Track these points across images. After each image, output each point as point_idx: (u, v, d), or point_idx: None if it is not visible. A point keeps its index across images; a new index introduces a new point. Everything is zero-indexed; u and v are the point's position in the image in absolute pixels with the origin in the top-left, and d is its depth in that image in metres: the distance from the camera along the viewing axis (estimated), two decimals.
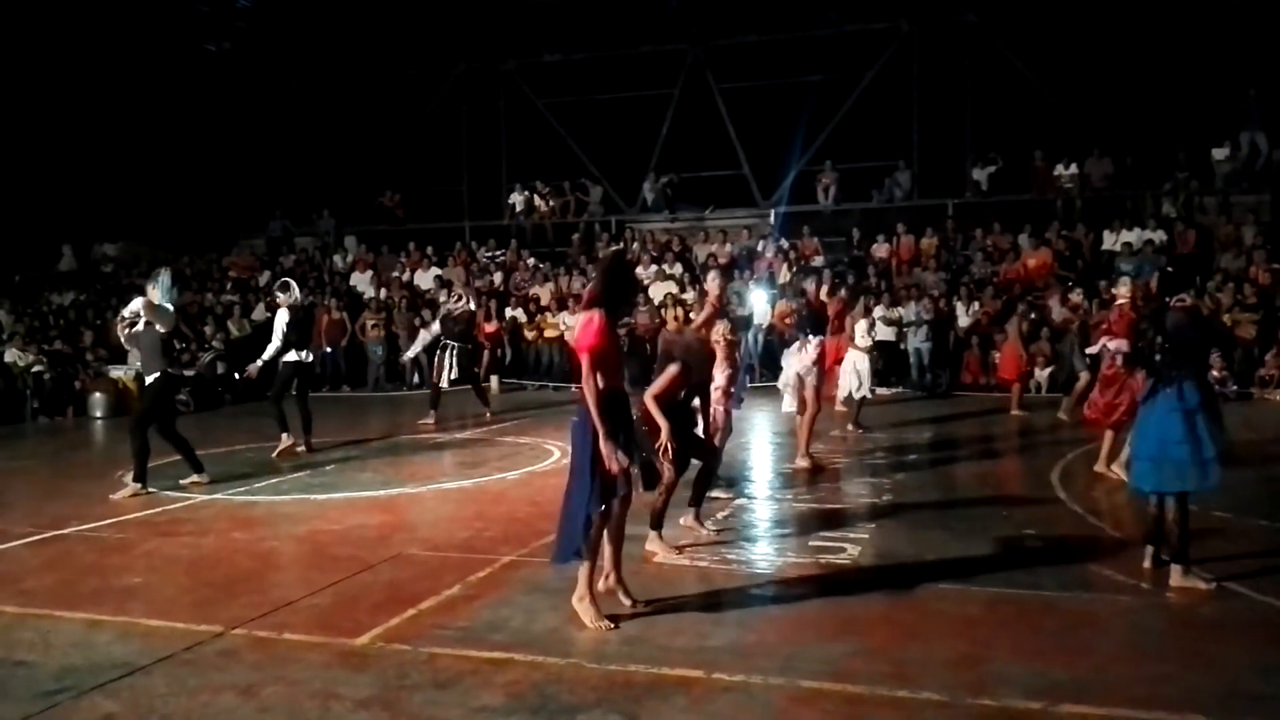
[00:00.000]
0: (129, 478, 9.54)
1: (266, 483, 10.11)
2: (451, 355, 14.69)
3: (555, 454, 11.18)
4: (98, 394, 16.92)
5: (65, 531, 8.10)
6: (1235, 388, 15.54)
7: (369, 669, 4.96)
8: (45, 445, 14.49)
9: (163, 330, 9.48)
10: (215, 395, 18.26)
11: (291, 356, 11.93)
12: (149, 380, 9.62)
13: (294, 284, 12.52)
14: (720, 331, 8.02)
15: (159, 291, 9.48)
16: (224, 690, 4.74)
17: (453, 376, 14.77)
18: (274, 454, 11.52)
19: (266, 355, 12.00)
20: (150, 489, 9.52)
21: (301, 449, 11.83)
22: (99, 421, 16.41)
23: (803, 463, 10.10)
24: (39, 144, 22.34)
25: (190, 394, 17.37)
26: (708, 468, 7.40)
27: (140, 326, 9.61)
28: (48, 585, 6.60)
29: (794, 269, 20.31)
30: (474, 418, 14.80)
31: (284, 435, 11.69)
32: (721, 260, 21.34)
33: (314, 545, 7.50)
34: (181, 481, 9.76)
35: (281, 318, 11.95)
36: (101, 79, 23.11)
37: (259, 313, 21.38)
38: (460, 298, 15.90)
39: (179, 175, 24.16)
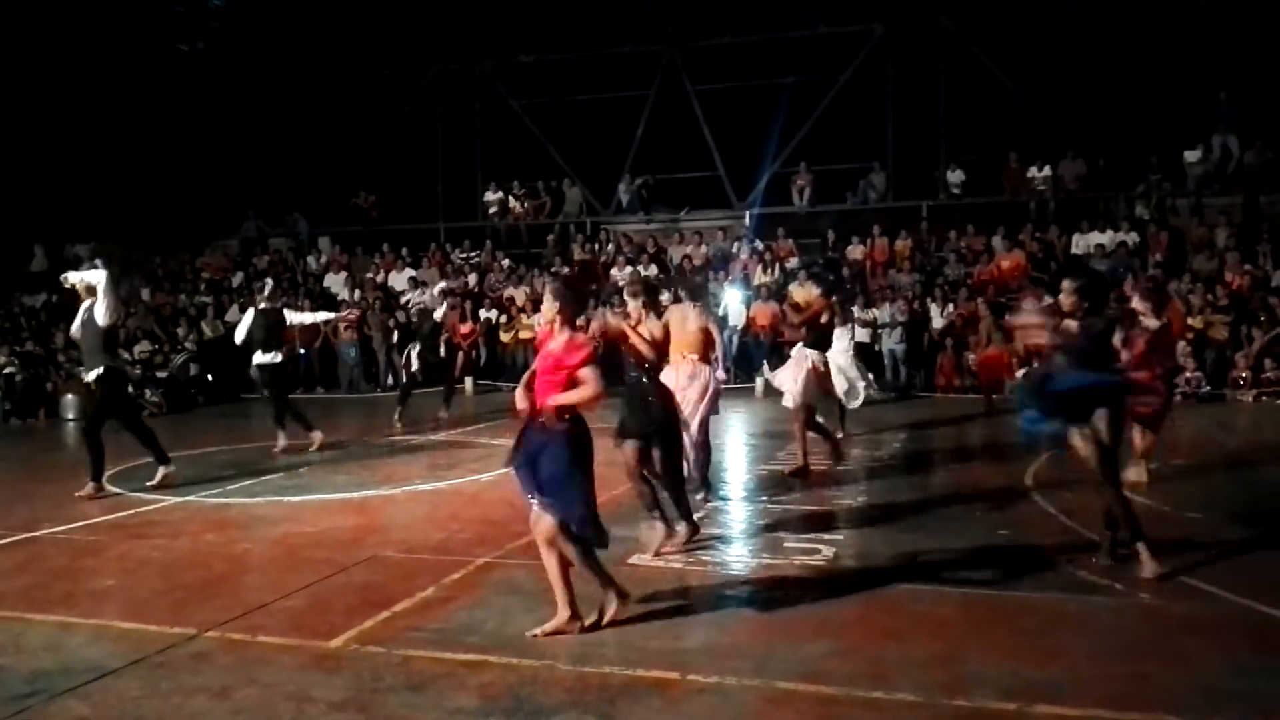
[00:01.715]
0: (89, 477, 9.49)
1: (240, 485, 10.06)
2: (411, 351, 14.84)
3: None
4: (70, 395, 16.69)
5: (37, 534, 8.05)
6: (1208, 389, 15.65)
7: (343, 671, 4.94)
8: (17, 447, 14.38)
9: (104, 323, 9.36)
10: (188, 397, 18.14)
11: (261, 359, 12.00)
12: (92, 377, 9.51)
13: (270, 285, 12.69)
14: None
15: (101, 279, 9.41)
16: (197, 693, 4.72)
17: (413, 369, 14.77)
18: (311, 450, 11.86)
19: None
20: (111, 488, 9.53)
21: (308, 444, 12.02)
22: (71, 423, 16.22)
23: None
24: (10, 143, 22.14)
25: (163, 395, 17.28)
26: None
27: (82, 315, 9.51)
28: (19, 588, 6.55)
29: (770, 271, 20.37)
30: (441, 420, 14.59)
31: (313, 434, 12.13)
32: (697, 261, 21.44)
33: (287, 547, 7.47)
34: (148, 484, 9.70)
35: (245, 318, 12.34)
36: (74, 78, 22.93)
37: (233, 314, 21.26)
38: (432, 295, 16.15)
39: (152, 175, 23.95)
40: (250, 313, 12.25)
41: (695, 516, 7.76)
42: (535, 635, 5.32)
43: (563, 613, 5.37)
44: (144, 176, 23.85)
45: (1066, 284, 6.80)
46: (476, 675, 4.85)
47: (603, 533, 5.40)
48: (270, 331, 12.08)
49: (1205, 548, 6.89)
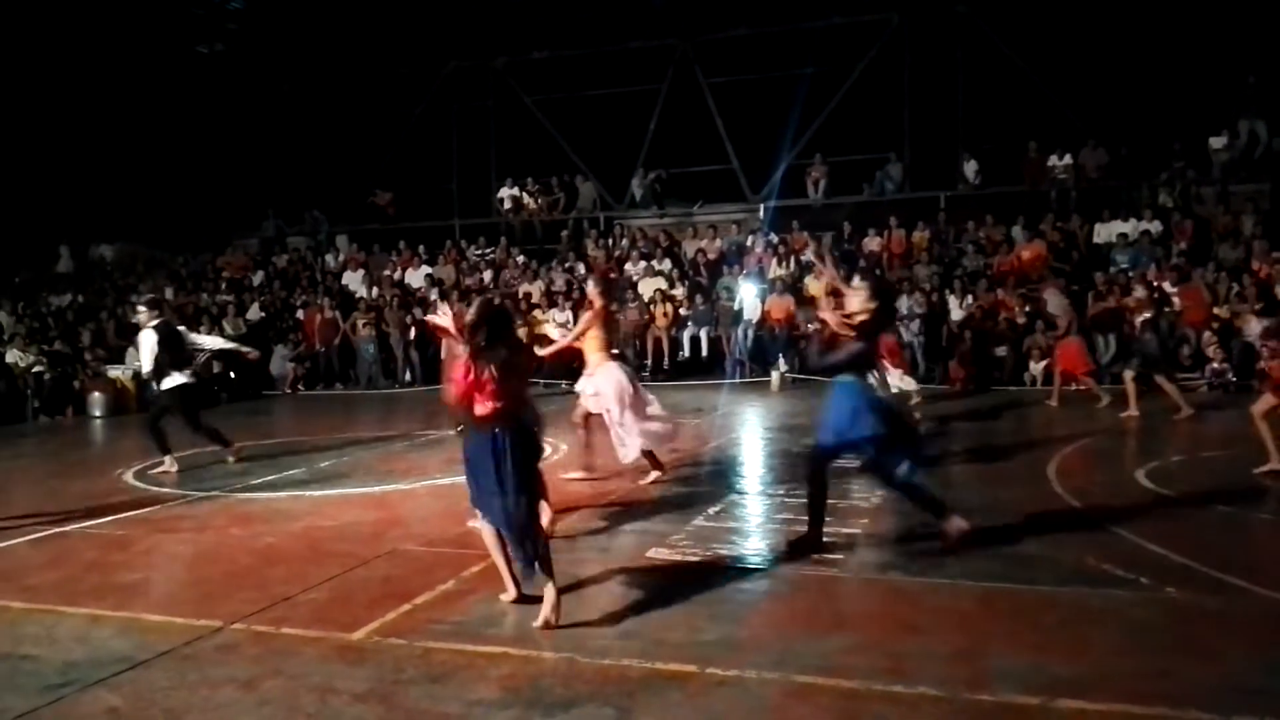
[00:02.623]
0: None
1: (262, 480, 10.17)
2: None
3: (545, 450, 11.16)
4: (97, 393, 17.12)
5: (67, 528, 8.18)
6: (1235, 379, 15.31)
7: (366, 663, 5.00)
8: (46, 444, 14.56)
9: None
10: (211, 394, 18.28)
11: (173, 381, 10.77)
12: None
13: (159, 301, 11.59)
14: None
15: None
16: (224, 684, 4.79)
17: None
18: (159, 470, 10.81)
19: (147, 376, 11.30)
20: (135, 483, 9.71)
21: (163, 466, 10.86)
22: (98, 420, 16.55)
23: None
24: (36, 146, 22.39)
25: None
26: None
27: None
28: (51, 581, 6.66)
29: (785, 264, 20.32)
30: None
31: (166, 458, 10.78)
32: (711, 255, 21.43)
33: (310, 541, 7.54)
34: None
35: (147, 340, 10.75)
36: (96, 81, 23.15)
37: (253, 312, 21.47)
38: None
39: (173, 176, 24.19)
40: (148, 335, 10.71)
41: (713, 509, 7.80)
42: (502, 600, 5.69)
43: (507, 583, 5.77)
44: (166, 178, 24.07)
45: (858, 283, 6.91)
46: (496, 667, 4.89)
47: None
48: (175, 351, 10.82)
49: (1233, 540, 6.86)
